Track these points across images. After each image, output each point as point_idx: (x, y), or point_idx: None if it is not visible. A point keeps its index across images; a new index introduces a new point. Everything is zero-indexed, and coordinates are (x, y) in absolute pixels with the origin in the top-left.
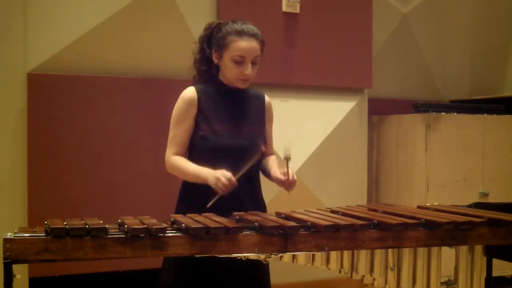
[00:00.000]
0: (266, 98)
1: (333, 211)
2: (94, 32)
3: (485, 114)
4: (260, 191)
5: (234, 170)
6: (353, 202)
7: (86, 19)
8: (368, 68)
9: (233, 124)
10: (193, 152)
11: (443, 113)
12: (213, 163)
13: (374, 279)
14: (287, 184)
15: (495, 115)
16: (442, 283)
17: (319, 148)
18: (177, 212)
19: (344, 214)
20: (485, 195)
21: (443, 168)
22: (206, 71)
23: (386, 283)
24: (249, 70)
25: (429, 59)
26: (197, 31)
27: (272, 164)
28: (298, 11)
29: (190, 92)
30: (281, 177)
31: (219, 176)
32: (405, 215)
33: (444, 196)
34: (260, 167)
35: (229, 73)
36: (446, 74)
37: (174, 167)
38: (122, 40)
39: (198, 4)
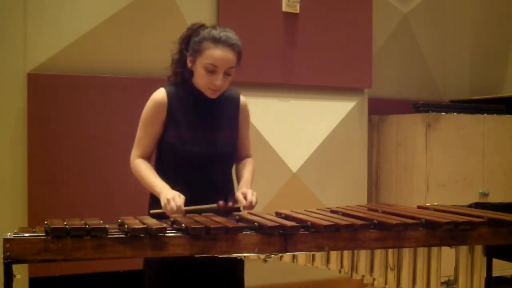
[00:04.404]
0: (241, 98)
1: (333, 211)
2: (94, 32)
3: (485, 114)
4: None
5: (194, 198)
6: (353, 202)
7: (86, 19)
8: (368, 68)
9: (203, 131)
10: (161, 158)
11: (443, 113)
12: (180, 171)
13: (374, 279)
14: (245, 208)
15: (495, 115)
16: (442, 283)
17: (319, 148)
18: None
19: (344, 214)
20: (485, 195)
21: (443, 168)
22: (182, 73)
23: (386, 283)
24: (219, 81)
25: (429, 59)
26: None
27: (244, 172)
28: (298, 11)
29: (160, 95)
30: (241, 198)
31: (170, 199)
32: (405, 215)
33: (444, 196)
34: (235, 170)
35: (200, 81)
36: (446, 74)
37: (135, 171)
38: (122, 40)
39: (198, 4)
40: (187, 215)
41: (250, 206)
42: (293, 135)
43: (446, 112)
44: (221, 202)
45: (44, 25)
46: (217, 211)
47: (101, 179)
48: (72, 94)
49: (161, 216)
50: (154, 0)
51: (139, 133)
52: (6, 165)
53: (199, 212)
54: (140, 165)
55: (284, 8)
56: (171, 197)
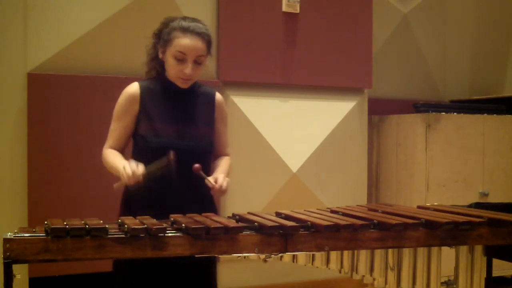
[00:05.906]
0: (217, 95)
1: (333, 211)
2: (94, 32)
3: (485, 114)
4: (208, 191)
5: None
6: (353, 202)
7: (86, 19)
8: (368, 68)
9: (175, 124)
10: (135, 151)
11: (443, 113)
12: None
13: (374, 279)
14: (214, 192)
15: (495, 115)
16: (442, 283)
17: (319, 148)
18: (122, 215)
19: (344, 214)
20: (485, 195)
21: (443, 168)
22: (155, 67)
23: (386, 283)
24: (188, 69)
25: (429, 59)
26: None
27: (221, 163)
28: (298, 11)
29: (133, 88)
30: (212, 182)
31: (125, 165)
32: (405, 215)
33: (444, 196)
34: (211, 168)
35: (170, 70)
36: (446, 74)
37: (104, 159)
38: (122, 40)
39: (198, 4)
40: (187, 215)
41: (220, 191)
42: (293, 135)
43: (446, 112)
44: (171, 154)
45: (44, 25)
46: (168, 165)
47: (101, 179)
48: (72, 94)
49: (128, 188)
50: (154, 0)
51: (112, 126)
52: (6, 165)
53: (155, 171)
54: (108, 153)
55: (284, 8)
56: (126, 164)
